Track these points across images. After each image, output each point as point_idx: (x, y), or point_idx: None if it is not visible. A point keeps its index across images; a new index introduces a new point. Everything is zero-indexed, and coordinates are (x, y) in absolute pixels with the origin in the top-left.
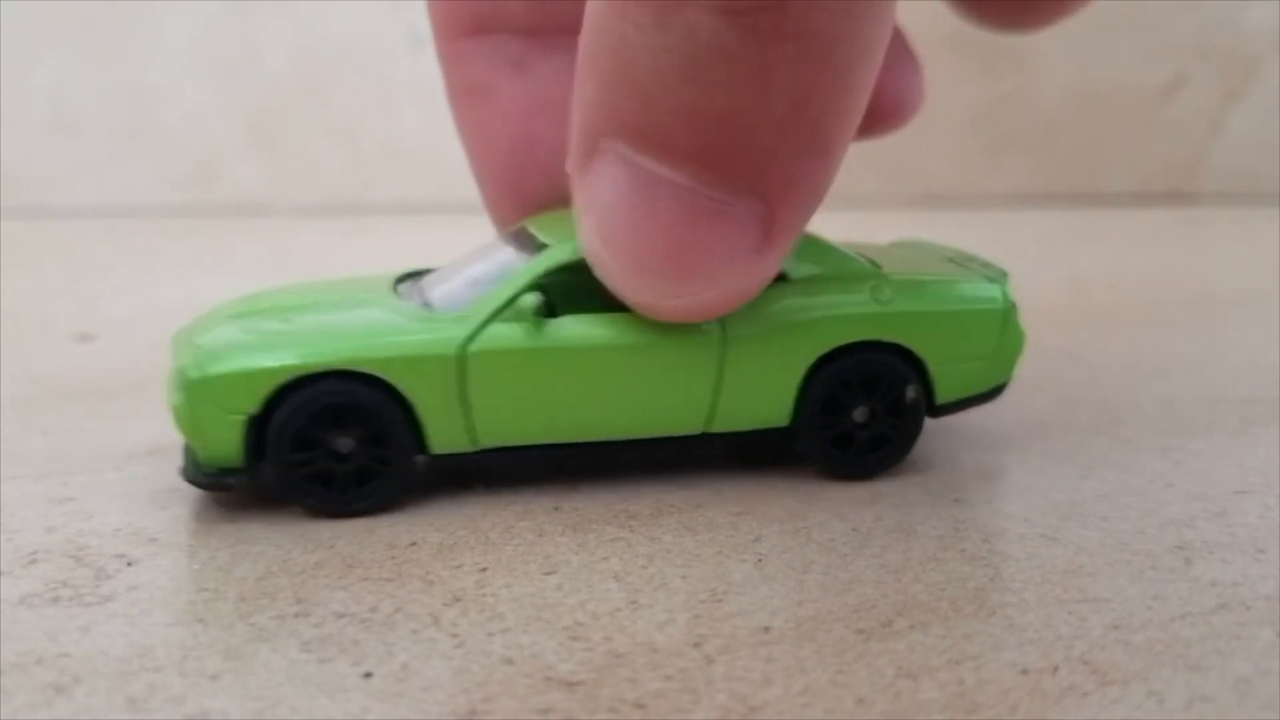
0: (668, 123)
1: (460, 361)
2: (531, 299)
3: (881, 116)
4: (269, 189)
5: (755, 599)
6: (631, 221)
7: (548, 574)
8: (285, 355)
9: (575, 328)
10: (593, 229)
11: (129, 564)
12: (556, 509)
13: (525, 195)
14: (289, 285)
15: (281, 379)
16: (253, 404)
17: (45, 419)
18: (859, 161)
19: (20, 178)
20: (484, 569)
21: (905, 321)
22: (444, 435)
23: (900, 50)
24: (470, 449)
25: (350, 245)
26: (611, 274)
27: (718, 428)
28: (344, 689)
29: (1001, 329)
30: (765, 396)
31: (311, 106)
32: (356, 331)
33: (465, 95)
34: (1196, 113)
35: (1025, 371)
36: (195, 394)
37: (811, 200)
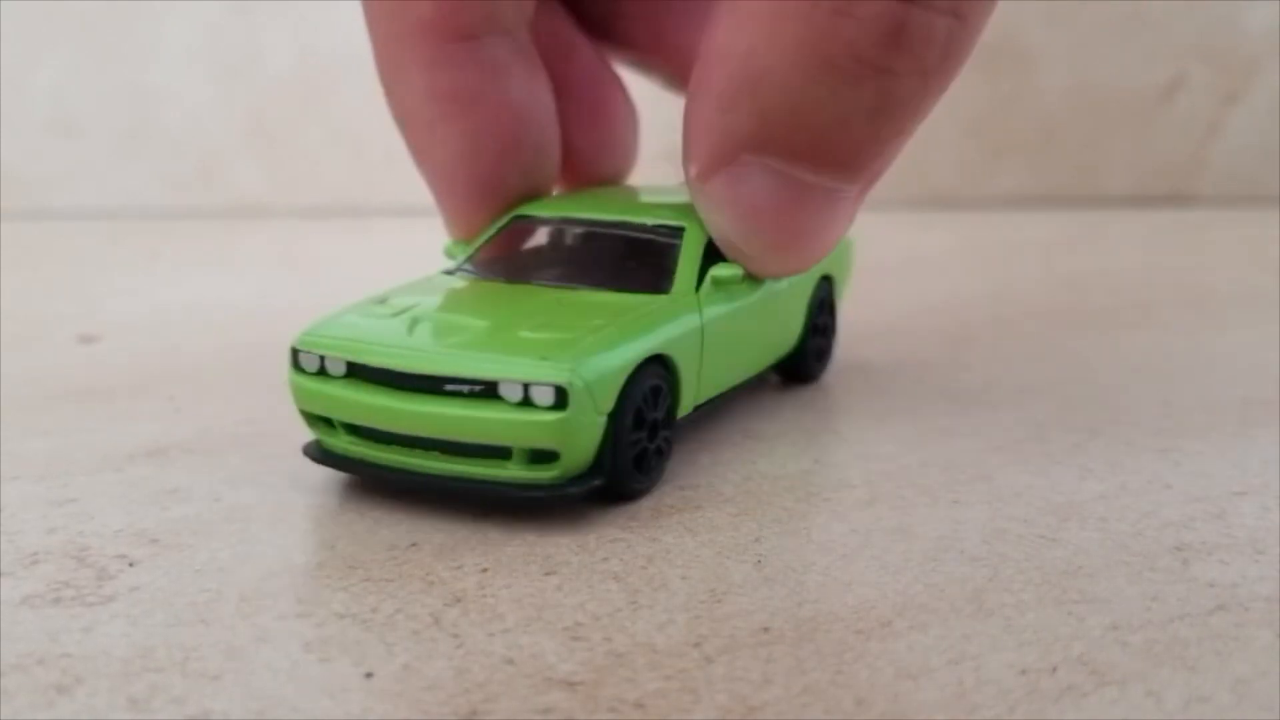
0: (835, 147)
1: (701, 332)
2: (728, 269)
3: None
4: (271, 190)
5: (755, 599)
6: (777, 216)
7: (548, 574)
8: (627, 352)
9: (738, 290)
10: (735, 223)
11: (130, 564)
12: (556, 511)
13: (502, 199)
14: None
15: (628, 373)
16: (611, 403)
17: (47, 420)
18: None
19: (22, 179)
20: (485, 569)
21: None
22: (685, 404)
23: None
24: (689, 413)
25: (352, 247)
26: (749, 257)
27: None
28: (345, 689)
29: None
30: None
31: (313, 108)
32: (644, 321)
33: (450, 102)
34: (1196, 115)
35: (1024, 373)
36: (582, 403)
37: (880, 174)
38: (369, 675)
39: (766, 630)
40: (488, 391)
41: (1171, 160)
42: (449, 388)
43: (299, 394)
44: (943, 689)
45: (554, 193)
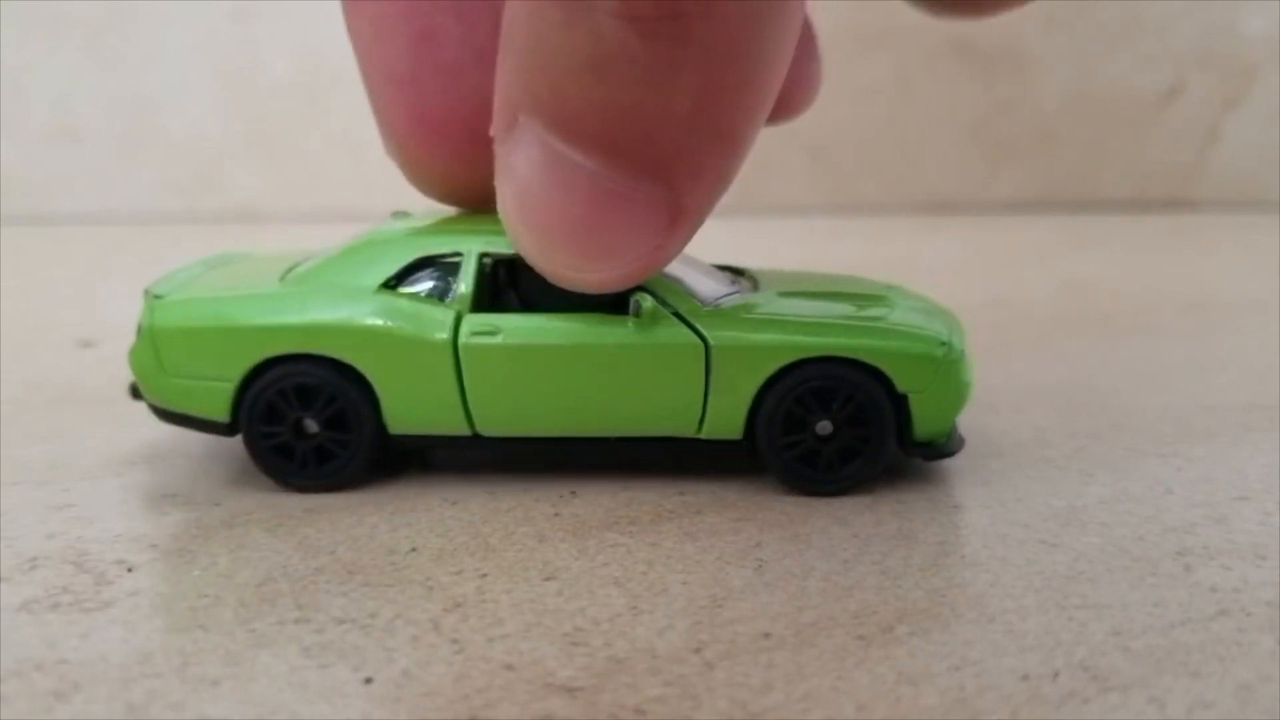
0: (578, 112)
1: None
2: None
3: (776, 107)
4: (270, 196)
5: (756, 605)
6: (545, 198)
7: (548, 580)
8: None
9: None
10: (509, 198)
11: (129, 570)
12: (557, 514)
13: (424, 104)
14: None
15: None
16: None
17: (46, 425)
18: (858, 169)
19: (22, 184)
20: (484, 574)
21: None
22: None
23: (802, 39)
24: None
25: None
26: (524, 242)
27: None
28: (344, 695)
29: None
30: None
31: (313, 114)
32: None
33: None
34: (1195, 120)
35: (1025, 377)
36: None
37: (718, 187)
38: (368, 681)
39: (767, 635)
40: None
41: (1171, 165)
42: None
43: None
44: (944, 694)
45: None
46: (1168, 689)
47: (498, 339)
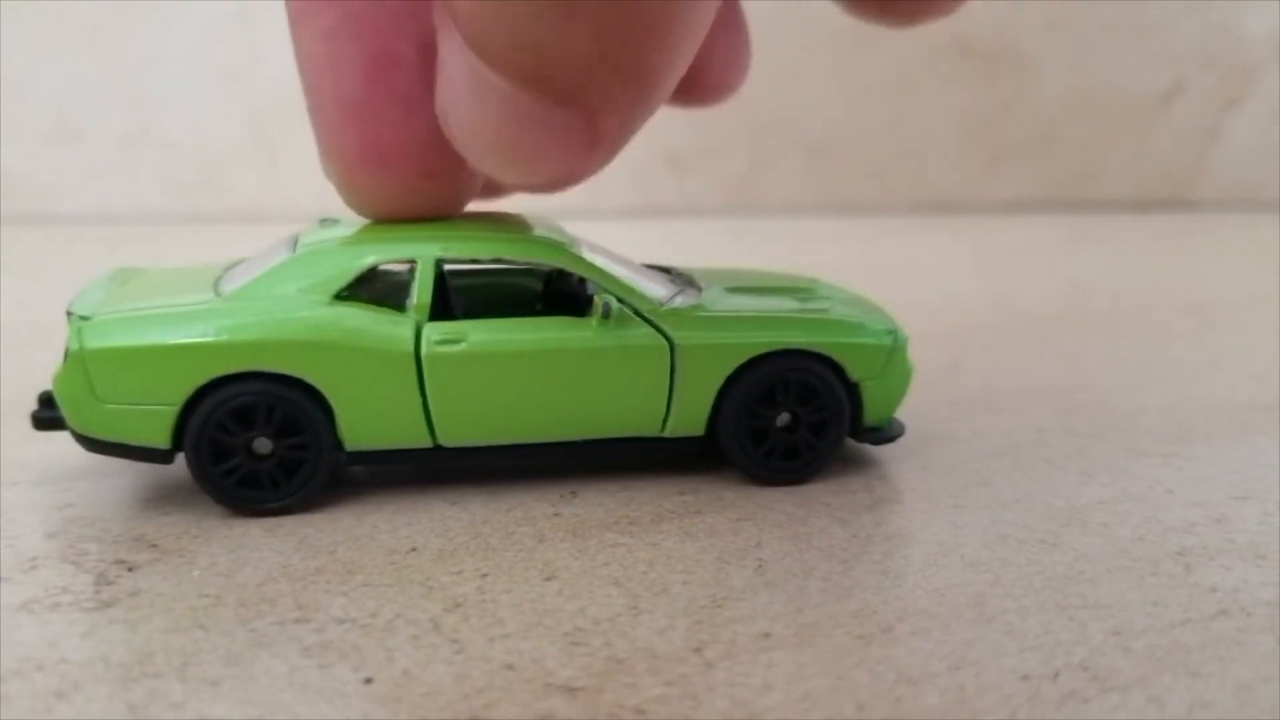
0: (492, 38)
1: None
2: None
3: (703, 87)
4: (272, 196)
5: (756, 604)
6: (467, 104)
7: (548, 579)
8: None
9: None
10: (440, 94)
11: (129, 570)
12: (557, 515)
13: (376, 133)
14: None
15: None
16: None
17: None
18: (858, 169)
19: (24, 184)
20: (484, 574)
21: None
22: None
23: (731, 20)
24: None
25: None
26: (453, 136)
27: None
28: (344, 695)
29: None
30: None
31: None
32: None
33: None
34: (1195, 120)
35: (1025, 377)
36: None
37: (632, 118)
38: (368, 681)
39: (767, 635)
40: None
41: (1171, 165)
42: None
43: None
44: (944, 694)
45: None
46: (1168, 689)
47: (461, 347)
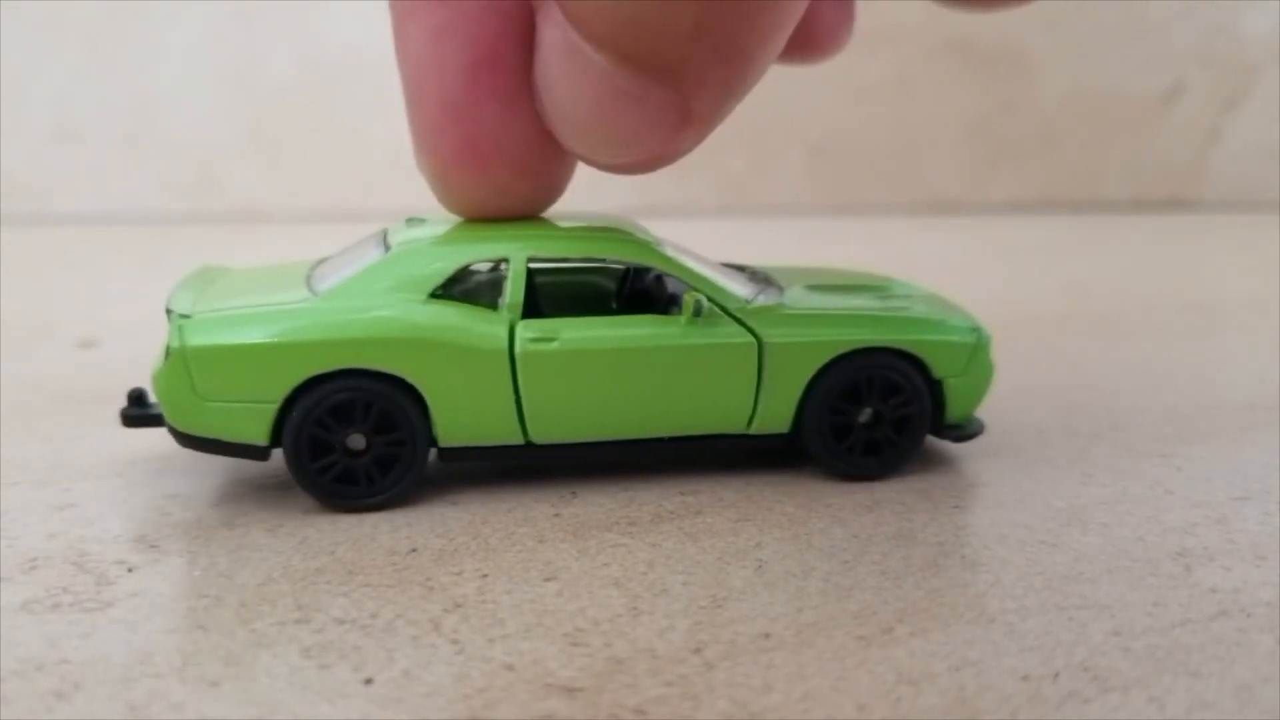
0: (591, 12)
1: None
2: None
3: (808, 45)
4: (272, 196)
5: (756, 605)
6: (565, 82)
7: (548, 580)
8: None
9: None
10: (537, 68)
11: (130, 570)
12: (557, 515)
13: (476, 132)
14: None
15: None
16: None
17: (46, 425)
18: (858, 169)
19: (23, 185)
20: (485, 575)
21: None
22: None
23: None
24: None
25: None
26: (548, 115)
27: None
28: (345, 695)
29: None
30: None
31: (314, 113)
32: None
33: None
34: (1195, 120)
35: (1025, 378)
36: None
37: (727, 99)
38: (368, 681)
39: (767, 636)
40: None
41: (1171, 165)
42: None
43: None
44: (944, 695)
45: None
46: (1168, 689)
47: (555, 345)
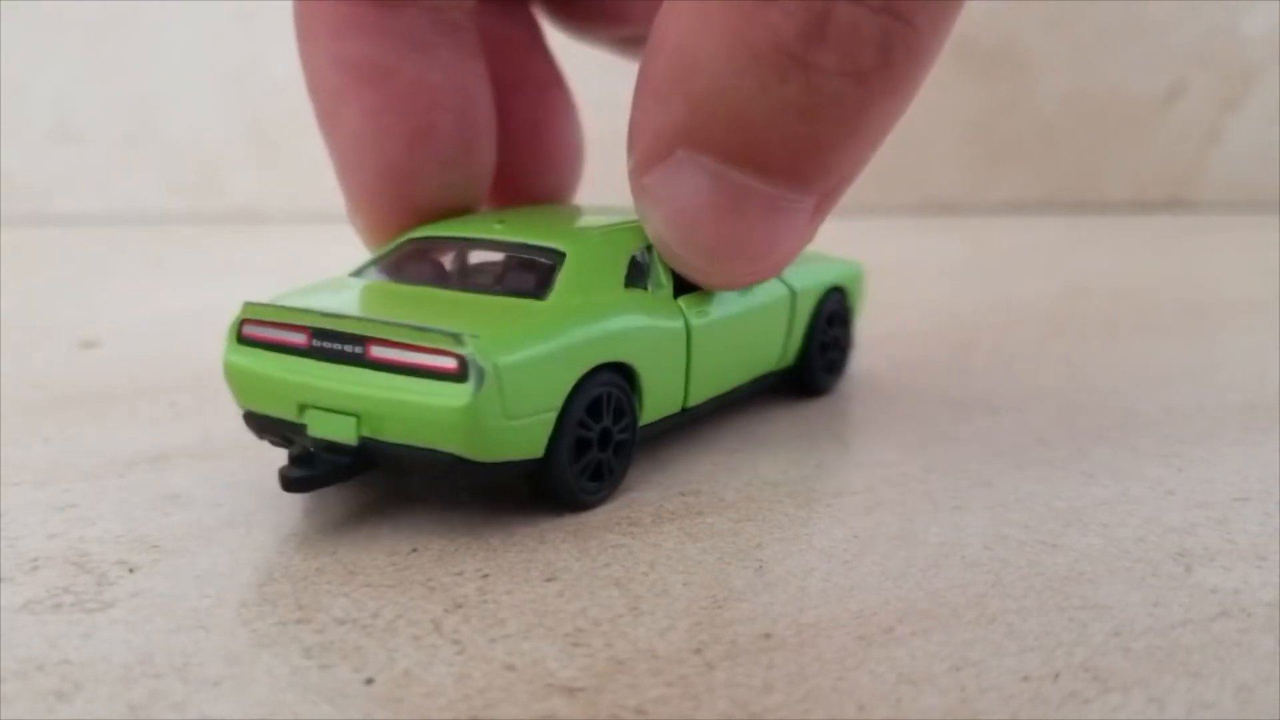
0: (769, 148)
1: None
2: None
3: (549, 171)
4: (272, 196)
5: (756, 605)
6: (714, 220)
7: (549, 580)
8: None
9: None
10: (667, 223)
11: (130, 570)
12: (558, 515)
13: (412, 196)
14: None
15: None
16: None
17: (47, 425)
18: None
19: (24, 185)
20: (485, 575)
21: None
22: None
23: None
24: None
25: (352, 252)
26: (682, 260)
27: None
28: (345, 695)
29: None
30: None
31: (313, 114)
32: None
33: (355, 71)
34: (1195, 121)
35: (1025, 378)
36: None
37: (841, 194)
38: (369, 681)
39: (768, 636)
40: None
41: (1171, 166)
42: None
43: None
44: (945, 695)
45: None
46: (1168, 689)
47: (710, 317)
